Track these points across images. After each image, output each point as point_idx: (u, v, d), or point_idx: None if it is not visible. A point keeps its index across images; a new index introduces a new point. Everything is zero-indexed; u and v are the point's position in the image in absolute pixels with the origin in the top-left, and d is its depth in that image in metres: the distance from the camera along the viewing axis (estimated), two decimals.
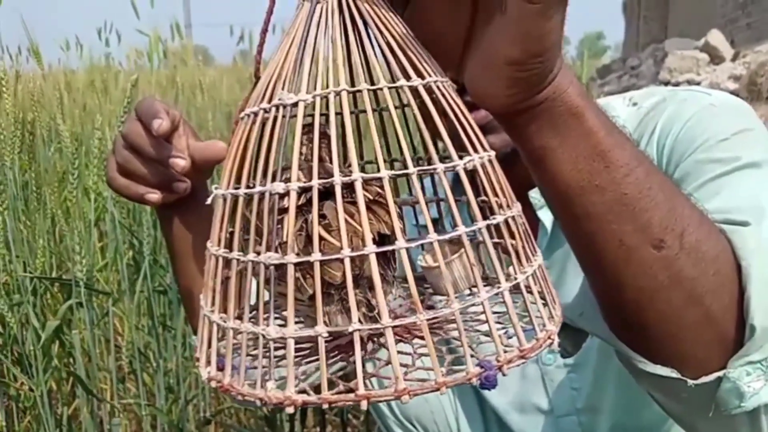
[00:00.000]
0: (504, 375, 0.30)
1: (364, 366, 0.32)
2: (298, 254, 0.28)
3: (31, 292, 1.50)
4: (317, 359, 0.37)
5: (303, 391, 0.28)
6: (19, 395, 1.51)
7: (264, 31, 0.38)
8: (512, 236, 0.34)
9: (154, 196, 0.66)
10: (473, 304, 0.30)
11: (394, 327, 0.27)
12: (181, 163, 0.64)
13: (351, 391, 0.28)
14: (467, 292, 0.46)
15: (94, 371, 1.50)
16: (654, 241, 0.46)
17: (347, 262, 0.27)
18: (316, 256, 0.27)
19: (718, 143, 0.64)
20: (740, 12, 7.73)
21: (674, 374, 0.50)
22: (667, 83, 4.72)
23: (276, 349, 0.31)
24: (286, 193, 0.29)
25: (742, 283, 0.48)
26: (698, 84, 4.26)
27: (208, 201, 0.37)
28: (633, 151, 0.47)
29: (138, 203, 0.87)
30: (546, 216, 0.77)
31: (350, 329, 0.27)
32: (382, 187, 0.33)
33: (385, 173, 0.29)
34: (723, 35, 5.12)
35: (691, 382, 0.49)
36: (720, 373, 0.48)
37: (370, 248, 0.27)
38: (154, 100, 0.65)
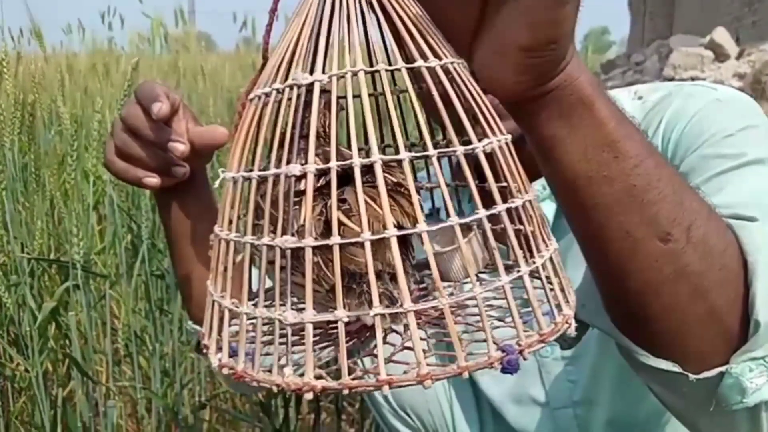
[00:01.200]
0: (525, 359, 0.29)
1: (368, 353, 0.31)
2: (316, 238, 0.27)
3: (29, 273, 1.50)
4: (327, 345, 0.37)
5: (320, 377, 0.27)
6: (15, 376, 1.51)
7: (273, 11, 0.37)
8: (529, 221, 0.33)
9: (153, 180, 0.65)
10: (494, 288, 0.29)
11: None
12: (180, 147, 0.63)
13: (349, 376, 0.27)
14: (474, 278, 0.46)
15: (90, 353, 1.49)
16: (661, 234, 0.46)
17: (368, 246, 0.27)
18: (335, 239, 0.26)
19: (724, 139, 0.63)
20: (746, 10, 7.71)
21: (676, 368, 0.49)
22: (671, 79, 4.70)
23: (284, 335, 0.30)
24: (303, 176, 0.28)
25: (747, 278, 0.48)
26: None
27: (216, 184, 0.36)
28: (643, 142, 0.47)
29: (136, 187, 0.86)
30: (548, 207, 0.76)
31: (372, 313, 0.26)
32: (397, 174, 0.32)
33: (405, 155, 0.28)
34: (728, 33, 5.10)
35: (692, 376, 0.49)
36: (722, 369, 0.48)
37: (391, 231, 0.27)
38: (154, 84, 0.64)
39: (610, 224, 0.46)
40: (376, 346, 0.36)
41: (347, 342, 0.36)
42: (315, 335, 0.37)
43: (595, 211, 0.46)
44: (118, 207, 1.61)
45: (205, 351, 0.33)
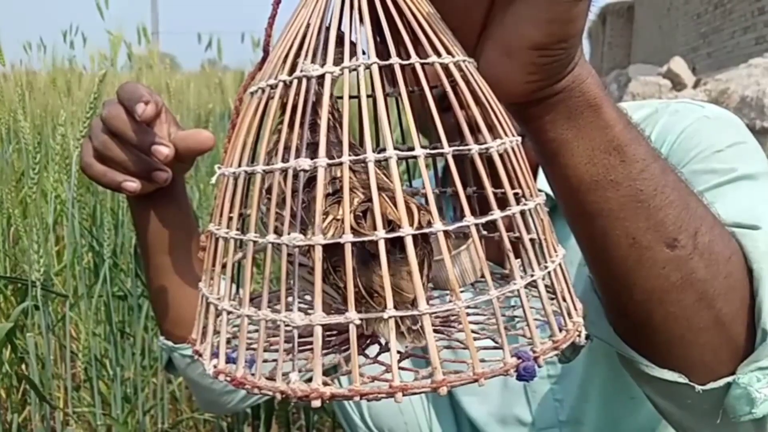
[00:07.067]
0: (539, 366, 0.28)
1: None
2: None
3: None
4: (326, 353, 0.35)
5: (326, 384, 0.25)
6: None
7: (277, 2, 0.36)
8: (540, 224, 0.32)
9: (133, 184, 0.62)
10: (510, 292, 0.28)
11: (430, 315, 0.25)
12: (164, 150, 0.60)
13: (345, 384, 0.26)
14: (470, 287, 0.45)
15: (48, 378, 1.43)
16: (668, 240, 0.45)
17: (382, 244, 0.25)
18: (347, 237, 0.25)
19: (714, 154, 0.64)
20: (701, 41, 8.03)
21: (682, 379, 0.48)
22: None
23: (287, 340, 0.28)
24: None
25: (753, 286, 0.47)
26: None
27: (212, 180, 0.34)
28: (648, 147, 0.46)
29: (114, 192, 0.82)
30: None
31: (385, 315, 0.25)
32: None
33: (420, 152, 0.27)
34: (685, 63, 5.26)
35: (699, 387, 0.48)
36: (729, 379, 0.47)
37: (407, 230, 0.25)
38: (137, 84, 0.62)
39: (616, 230, 0.45)
40: (378, 353, 0.35)
41: (343, 351, 0.35)
42: (310, 343, 0.35)
43: (600, 217, 0.45)
44: (79, 224, 1.56)
45: (197, 357, 0.31)
